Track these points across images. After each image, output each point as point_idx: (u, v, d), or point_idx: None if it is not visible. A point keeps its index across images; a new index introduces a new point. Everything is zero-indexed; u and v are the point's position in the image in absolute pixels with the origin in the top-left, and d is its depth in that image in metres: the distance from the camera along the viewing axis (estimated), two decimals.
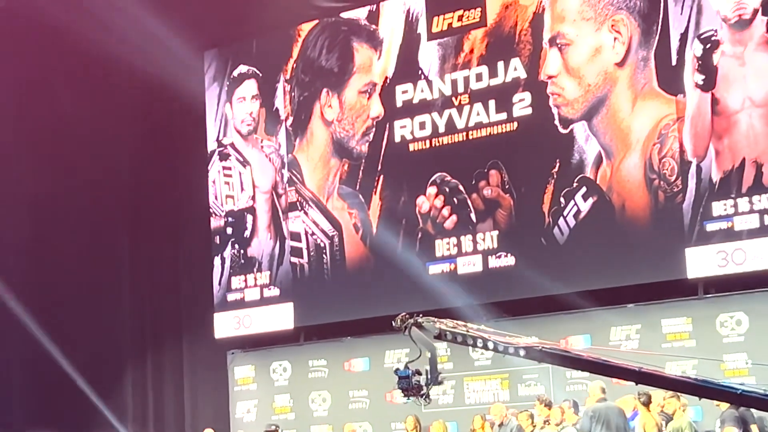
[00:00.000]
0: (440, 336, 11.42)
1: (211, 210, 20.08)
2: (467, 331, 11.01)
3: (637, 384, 9.39)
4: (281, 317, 19.02)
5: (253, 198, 19.60)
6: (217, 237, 19.97)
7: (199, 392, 20.75)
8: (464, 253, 17.42)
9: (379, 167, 18.31)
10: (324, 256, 18.79)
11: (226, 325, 19.63)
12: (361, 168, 18.47)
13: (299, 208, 19.07)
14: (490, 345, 11.03)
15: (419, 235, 17.90)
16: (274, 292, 19.17)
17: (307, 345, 18.98)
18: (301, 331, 19.02)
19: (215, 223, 20.03)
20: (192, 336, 20.72)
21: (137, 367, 21.15)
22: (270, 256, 19.35)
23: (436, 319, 11.00)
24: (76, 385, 20.45)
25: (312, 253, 18.92)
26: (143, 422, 20.72)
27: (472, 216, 17.42)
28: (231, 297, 19.68)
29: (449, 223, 17.64)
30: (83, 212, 20.38)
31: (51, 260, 20.36)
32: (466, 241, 17.43)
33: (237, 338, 19.65)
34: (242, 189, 19.75)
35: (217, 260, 19.91)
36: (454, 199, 17.61)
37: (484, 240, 17.24)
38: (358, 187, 18.52)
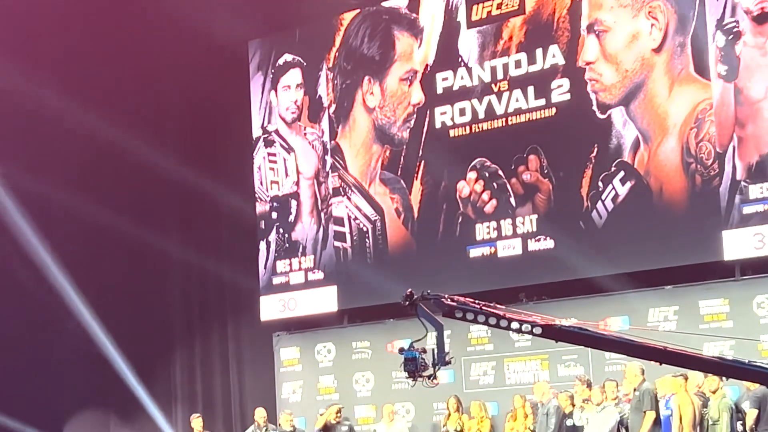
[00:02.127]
0: (450, 313, 11.40)
1: (256, 195, 20.43)
2: (480, 309, 11.03)
3: (661, 364, 9.48)
4: (325, 300, 19.36)
5: (297, 183, 19.96)
6: (263, 222, 20.33)
7: (246, 373, 21.07)
8: (504, 236, 17.68)
9: (420, 153, 18.60)
10: (366, 240, 19.12)
11: (271, 307, 19.98)
12: (403, 154, 18.78)
13: (342, 193, 19.40)
14: (503, 323, 10.92)
15: (460, 219, 18.18)
16: (319, 275, 19.50)
17: (350, 327, 19.29)
18: (345, 313, 19.33)
19: (260, 208, 20.40)
20: (238, 319, 21.09)
21: (186, 350, 21.51)
22: (314, 241, 19.70)
23: (444, 296, 10.98)
24: (125, 368, 20.94)
25: (355, 238, 19.25)
26: (192, 403, 21.06)
27: (512, 200, 17.70)
28: (276, 280, 20.04)
29: (489, 208, 17.92)
30: (134, 198, 20.71)
31: (103, 246, 20.74)
32: (506, 224, 17.71)
33: (282, 321, 19.98)
34: (287, 175, 20.10)
35: (262, 244, 20.26)
36: (494, 184, 17.88)
37: (523, 224, 17.51)
38: (399, 172, 18.83)
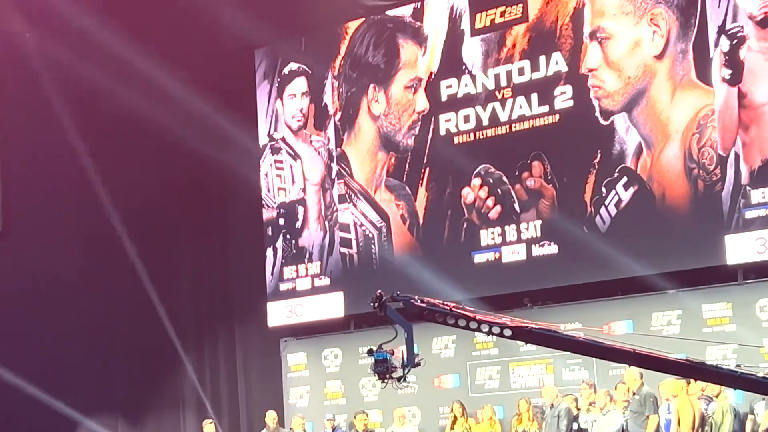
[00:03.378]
0: (420, 315, 11.49)
1: (263, 202, 20.58)
2: (450, 310, 11.09)
3: (630, 366, 9.46)
4: (332, 306, 19.48)
5: (304, 190, 20.11)
6: (270, 228, 20.47)
7: (253, 379, 21.16)
8: (508, 242, 17.83)
9: (425, 160, 18.75)
10: (372, 246, 19.27)
11: (278, 313, 20.11)
12: (408, 161, 18.93)
13: (348, 200, 19.55)
14: (473, 325, 10.99)
15: (464, 225, 18.33)
16: (325, 281, 19.64)
17: (357, 332, 19.36)
18: (351, 319, 19.42)
19: (267, 214, 20.54)
20: (245, 325, 21.16)
21: (194, 356, 21.56)
22: (320, 247, 19.85)
23: (414, 297, 11.04)
24: (135, 373, 21.10)
25: (361, 244, 19.40)
26: (200, 409, 21.13)
27: (516, 206, 17.84)
28: (283, 287, 20.17)
29: (494, 213, 18.07)
30: (142, 206, 20.83)
31: (112, 251, 20.91)
32: (510, 230, 17.85)
33: (289, 326, 20.10)
34: (293, 182, 20.26)
35: (269, 251, 20.41)
36: (498, 190, 18.03)
37: (527, 229, 17.65)
38: (405, 179, 18.97)
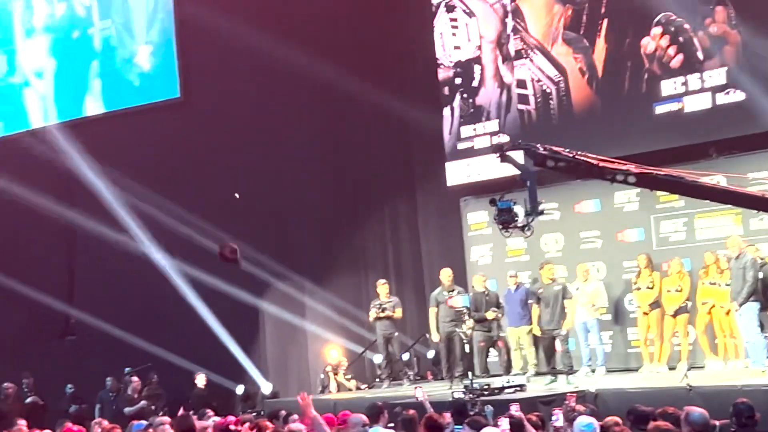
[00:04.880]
0: (542, 162, 11.27)
1: (438, 62, 20.51)
2: (573, 157, 10.86)
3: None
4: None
5: (480, 48, 19.92)
6: (446, 88, 20.41)
7: (434, 238, 21.38)
8: (692, 91, 17.39)
9: (603, 10, 18.29)
10: (551, 101, 19.05)
11: (457, 172, 20.16)
12: (585, 12, 18.50)
13: (524, 55, 19.31)
14: (596, 171, 10.84)
15: (645, 76, 17.91)
16: (504, 139, 19.49)
17: (538, 189, 19.22)
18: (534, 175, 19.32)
19: (443, 74, 20.47)
20: (425, 185, 21.35)
21: (374, 218, 21.96)
22: (498, 105, 19.72)
23: (537, 145, 10.83)
24: (318, 236, 21.63)
25: (539, 100, 19.19)
26: (384, 268, 21.57)
27: (699, 54, 17.32)
28: (461, 146, 20.17)
29: (675, 63, 17.59)
30: (314, 74, 21.08)
31: (291, 118, 21.32)
32: (693, 79, 17.38)
33: (468, 185, 20.11)
34: (469, 39, 20.08)
35: (446, 111, 20.39)
36: (680, 38, 17.50)
37: (711, 77, 17.16)
38: (582, 31, 18.58)
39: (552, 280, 17.35)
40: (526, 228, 11.43)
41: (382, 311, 19.21)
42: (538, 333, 17.48)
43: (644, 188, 10.78)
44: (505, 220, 11.37)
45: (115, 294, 22.85)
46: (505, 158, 11.62)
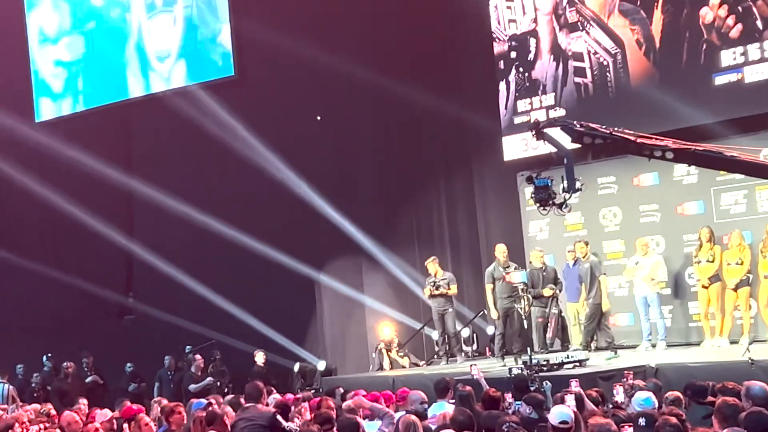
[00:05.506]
0: (579, 139, 11.12)
1: (493, 35, 20.33)
2: (610, 134, 10.71)
3: None
4: (568, 137, 19.18)
5: (535, 20, 19.72)
6: (501, 62, 20.24)
7: (491, 213, 21.26)
8: (751, 61, 17.11)
9: None
10: (608, 74, 18.84)
11: (514, 147, 20.01)
12: None
13: (581, 27, 19.09)
14: (633, 147, 10.68)
15: (704, 47, 17.65)
16: (560, 112, 19.33)
17: (595, 163, 19.01)
18: (589, 149, 19.15)
19: (498, 48, 20.30)
20: (482, 159, 21.23)
21: (432, 192, 21.89)
22: (554, 78, 19.53)
23: (573, 122, 10.67)
24: (374, 212, 21.61)
25: (595, 72, 18.98)
26: (441, 243, 21.53)
27: (758, 23, 17.03)
28: (518, 120, 20.00)
29: (734, 32, 17.31)
30: (373, 41, 21.08)
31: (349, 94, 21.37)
32: (753, 49, 17.10)
33: (525, 160, 19.88)
34: (524, 12, 19.88)
35: (502, 85, 20.24)
36: (739, 8, 17.22)
37: None
38: (639, 2, 18.33)
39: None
40: (564, 206, 11.35)
41: (436, 288, 19.14)
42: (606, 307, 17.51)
43: (682, 163, 10.65)
44: (542, 197, 11.34)
45: (173, 272, 22.97)
46: (541, 135, 11.55)
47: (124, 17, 25.45)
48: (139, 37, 25.16)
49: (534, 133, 11.63)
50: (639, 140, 10.87)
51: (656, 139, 10.73)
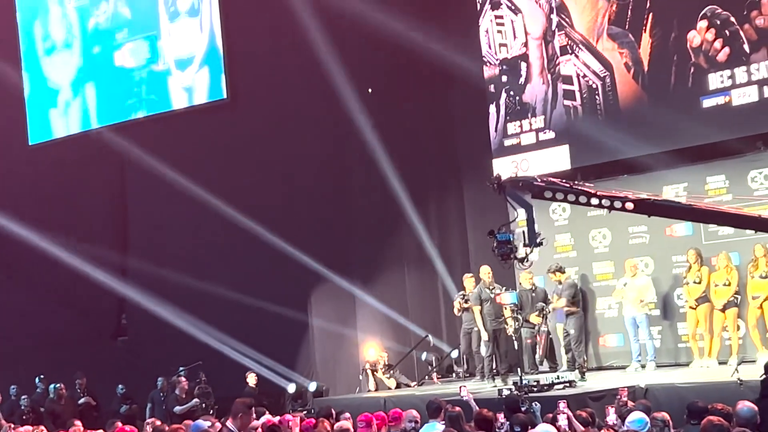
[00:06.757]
0: (540, 194, 11.37)
1: (484, 59, 20.51)
2: (570, 188, 10.97)
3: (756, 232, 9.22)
4: (557, 159, 19.38)
5: (526, 45, 19.91)
6: (492, 85, 20.41)
7: (482, 234, 21.27)
8: (739, 84, 17.28)
9: (648, 5, 18.19)
10: (597, 96, 19.00)
11: (504, 169, 19.98)
12: (630, 7, 18.41)
13: (570, 51, 19.26)
14: (594, 201, 10.97)
15: (692, 70, 17.81)
16: (550, 135, 19.53)
17: (585, 187, 19.19)
18: (578, 171, 19.27)
19: (489, 71, 20.46)
20: (472, 181, 21.32)
21: (421, 216, 21.96)
22: (543, 101, 19.69)
23: (535, 177, 10.95)
24: (366, 233, 21.69)
25: (584, 95, 19.14)
26: (431, 264, 21.58)
27: (745, 47, 17.20)
28: (508, 142, 20.17)
29: (722, 56, 17.48)
30: (361, 74, 21.18)
31: (336, 111, 21.41)
32: (740, 72, 17.28)
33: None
34: (515, 36, 20.07)
35: (492, 108, 20.39)
36: (726, 31, 17.39)
37: (758, 70, 17.04)
38: (627, 26, 18.49)
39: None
40: (525, 260, 11.58)
41: (465, 302, 19.15)
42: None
43: (642, 214, 10.94)
44: (504, 252, 11.56)
45: (167, 293, 23.01)
46: (502, 190, 11.80)
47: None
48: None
49: (496, 189, 11.89)
50: (599, 193, 11.18)
51: (615, 191, 11.04)
